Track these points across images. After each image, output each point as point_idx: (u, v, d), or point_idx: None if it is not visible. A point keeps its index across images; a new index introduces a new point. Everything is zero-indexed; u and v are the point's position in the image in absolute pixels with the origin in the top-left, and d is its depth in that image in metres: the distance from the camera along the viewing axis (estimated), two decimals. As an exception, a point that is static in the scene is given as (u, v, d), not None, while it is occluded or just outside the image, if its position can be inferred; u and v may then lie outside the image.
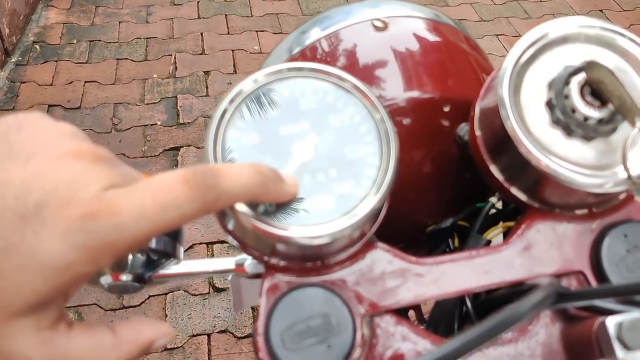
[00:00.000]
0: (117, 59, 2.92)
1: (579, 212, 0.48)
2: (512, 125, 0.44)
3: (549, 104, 0.45)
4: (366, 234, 0.46)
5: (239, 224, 0.41)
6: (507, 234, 0.57)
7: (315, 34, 0.64)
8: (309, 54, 0.62)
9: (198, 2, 3.34)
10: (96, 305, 1.97)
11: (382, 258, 0.46)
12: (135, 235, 0.30)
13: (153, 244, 0.58)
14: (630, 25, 3.34)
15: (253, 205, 0.41)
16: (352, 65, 0.59)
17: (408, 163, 0.61)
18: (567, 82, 0.45)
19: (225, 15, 3.26)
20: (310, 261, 0.45)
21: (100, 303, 1.98)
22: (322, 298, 0.43)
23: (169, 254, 0.59)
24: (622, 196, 0.49)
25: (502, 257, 0.47)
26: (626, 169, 0.43)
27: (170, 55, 2.95)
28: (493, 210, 0.62)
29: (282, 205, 0.41)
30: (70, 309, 1.95)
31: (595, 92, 0.44)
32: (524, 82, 0.46)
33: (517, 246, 0.47)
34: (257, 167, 0.36)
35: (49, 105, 2.62)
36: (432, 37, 0.62)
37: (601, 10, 3.43)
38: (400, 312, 0.79)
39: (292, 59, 0.63)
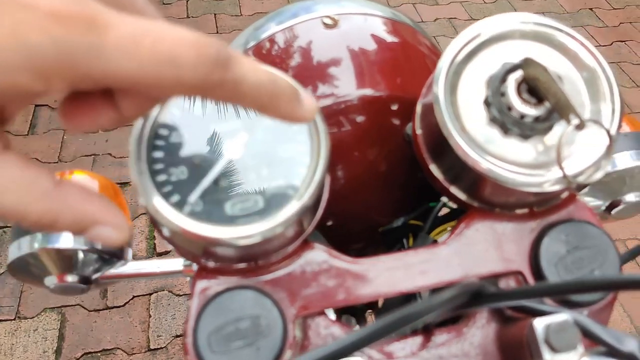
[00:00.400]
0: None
1: (519, 211, 0.47)
2: (447, 124, 0.44)
3: (486, 102, 0.45)
4: (302, 234, 0.45)
5: (168, 226, 0.41)
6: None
7: (268, 30, 0.63)
8: (261, 50, 0.61)
9: (187, 1, 3.33)
10: (80, 306, 1.97)
11: (318, 258, 0.45)
12: (108, 71, 0.25)
13: (99, 244, 0.57)
14: (620, 23, 3.33)
15: (179, 206, 0.40)
16: (300, 63, 0.58)
17: (361, 162, 0.61)
18: (504, 80, 0.44)
19: (215, 14, 3.25)
20: (243, 262, 0.44)
21: (84, 304, 1.97)
22: (253, 300, 0.42)
23: (116, 255, 0.59)
24: (564, 195, 0.48)
25: (440, 257, 0.46)
26: (560, 167, 0.42)
27: (159, 54, 2.94)
28: (447, 210, 0.61)
29: (209, 206, 0.40)
30: (53, 309, 1.95)
31: (532, 89, 0.44)
32: (462, 80, 0.46)
33: (454, 246, 0.46)
34: (274, 76, 0.31)
35: (36, 105, 2.61)
36: (383, 35, 0.61)
37: (591, 9, 3.42)
38: (357, 313, 0.78)
39: (245, 54, 0.62)
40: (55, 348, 1.87)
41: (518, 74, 0.44)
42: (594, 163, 0.43)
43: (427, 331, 0.45)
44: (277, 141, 0.42)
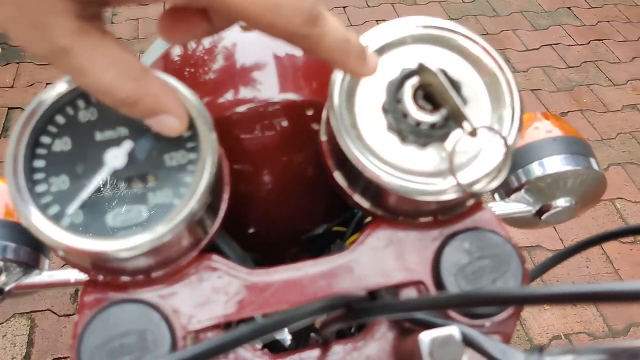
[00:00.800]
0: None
1: (423, 219, 0.46)
2: (341, 132, 0.43)
3: (384, 109, 0.44)
4: (196, 245, 0.44)
5: (44, 240, 0.39)
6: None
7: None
8: (178, 52, 0.60)
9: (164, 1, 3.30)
10: (50, 311, 1.95)
11: (213, 271, 0.44)
12: (230, 8, 0.31)
13: (11, 254, 0.56)
14: (598, 22, 3.34)
15: (57, 218, 0.39)
16: (217, 65, 0.57)
17: (285, 167, 0.60)
18: (401, 86, 0.43)
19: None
20: (133, 275, 0.43)
21: (54, 309, 1.95)
22: (140, 314, 0.41)
23: (29, 265, 0.57)
24: (470, 203, 0.47)
25: (339, 267, 0.45)
26: (454, 175, 0.41)
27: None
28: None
29: (89, 217, 0.39)
30: (23, 315, 1.93)
31: (428, 96, 0.43)
32: (360, 86, 0.45)
33: (355, 255, 0.45)
34: (349, 35, 0.36)
35: (9, 108, 2.58)
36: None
37: (569, 8, 3.42)
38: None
39: (164, 57, 0.61)
40: (24, 354, 1.85)
41: (415, 79, 0.43)
42: (490, 171, 0.42)
43: (325, 344, 0.44)
44: (163, 149, 0.41)
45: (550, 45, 3.17)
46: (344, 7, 3.31)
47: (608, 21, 3.35)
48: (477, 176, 0.42)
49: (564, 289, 0.26)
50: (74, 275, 0.57)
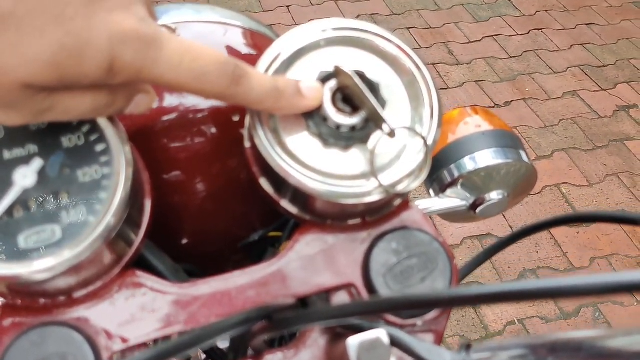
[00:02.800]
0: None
1: (351, 222, 0.46)
2: (262, 138, 0.42)
3: (304, 113, 0.43)
4: (118, 263, 0.43)
5: None
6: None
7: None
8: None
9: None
10: None
11: (138, 287, 0.43)
12: (157, 76, 0.34)
13: None
14: (537, 12, 3.41)
15: None
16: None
17: (217, 175, 0.59)
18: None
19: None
20: (53, 297, 0.41)
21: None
22: (61, 337, 0.39)
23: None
24: (397, 203, 0.47)
25: (270, 276, 0.44)
26: (375, 176, 0.41)
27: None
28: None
29: (1, 240, 0.38)
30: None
31: (347, 98, 0.42)
32: None
33: (284, 262, 0.45)
34: (275, 80, 0.40)
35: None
36: (229, 44, 0.59)
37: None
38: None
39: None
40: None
41: (333, 83, 0.43)
42: (412, 171, 0.42)
43: (258, 354, 0.43)
44: (76, 165, 0.40)
45: (492, 36, 3.23)
46: (288, 7, 3.30)
47: (546, 11, 3.43)
48: (399, 177, 0.42)
49: (484, 289, 0.26)
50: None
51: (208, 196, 0.59)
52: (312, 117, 0.42)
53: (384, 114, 0.40)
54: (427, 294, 0.29)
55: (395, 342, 0.37)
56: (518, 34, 3.25)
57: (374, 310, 0.31)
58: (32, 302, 0.41)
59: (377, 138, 0.41)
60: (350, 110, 0.42)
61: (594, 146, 2.62)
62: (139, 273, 0.44)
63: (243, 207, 0.61)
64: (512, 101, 2.82)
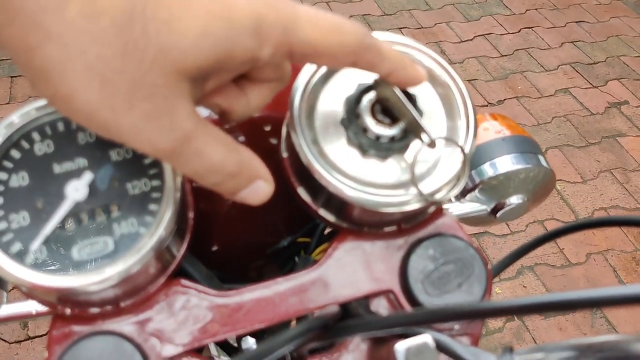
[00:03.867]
0: (11, 77, 2.78)
1: (387, 229, 0.47)
2: (304, 148, 0.43)
3: (343, 124, 0.44)
4: (164, 272, 0.44)
5: (9, 279, 0.38)
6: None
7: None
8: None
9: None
10: (0, 339, 1.89)
11: (183, 296, 0.44)
12: (301, 38, 0.33)
13: None
14: (527, 10, 3.45)
15: (20, 255, 0.38)
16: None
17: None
18: (358, 101, 0.44)
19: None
20: (101, 306, 0.42)
21: (4, 336, 1.89)
22: (112, 345, 0.40)
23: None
24: (431, 210, 0.48)
25: (310, 282, 0.45)
26: (415, 185, 0.42)
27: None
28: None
29: (54, 252, 0.38)
30: (-28, 343, 1.86)
31: (386, 110, 0.44)
32: (320, 101, 0.45)
33: (323, 269, 0.46)
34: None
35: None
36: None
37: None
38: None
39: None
40: (-26, 382, 1.79)
41: (372, 94, 0.44)
42: (450, 179, 0.43)
43: (300, 359, 0.45)
44: (126, 178, 0.41)
45: (483, 35, 3.25)
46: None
47: (536, 9, 3.46)
48: (438, 185, 0.43)
49: (525, 300, 0.27)
50: (35, 307, 0.56)
51: (237, 204, 0.60)
52: (352, 127, 0.44)
53: (424, 123, 0.42)
54: (475, 304, 0.30)
55: (440, 347, 0.39)
56: (509, 33, 3.28)
57: (428, 319, 0.32)
58: (81, 311, 0.42)
59: (417, 148, 0.42)
60: (390, 121, 0.43)
61: (587, 143, 2.65)
62: (183, 281, 0.45)
63: (271, 214, 0.62)
64: (505, 100, 2.85)
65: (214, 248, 0.62)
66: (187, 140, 0.32)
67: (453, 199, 0.67)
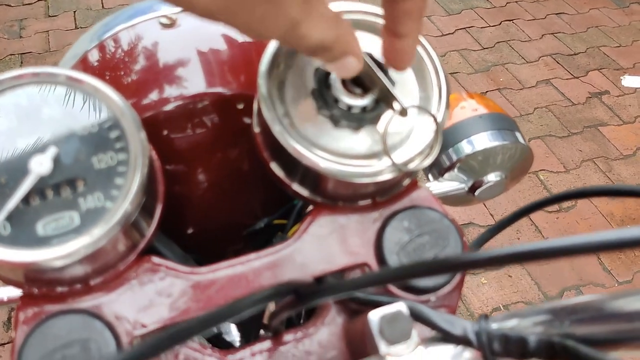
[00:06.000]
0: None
1: (362, 203, 0.47)
2: (274, 121, 0.42)
3: (314, 95, 0.44)
4: (134, 249, 0.43)
5: None
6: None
7: (108, 32, 0.60)
8: (96, 56, 0.58)
9: (74, 12, 3.19)
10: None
11: (155, 273, 0.43)
12: None
13: None
14: (507, 3, 3.46)
15: None
16: (139, 65, 0.55)
17: (220, 164, 0.59)
18: (329, 72, 0.43)
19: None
20: (70, 285, 0.41)
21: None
22: (81, 324, 0.39)
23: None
24: (406, 183, 0.48)
25: (285, 258, 0.45)
26: (388, 155, 0.42)
27: (48, 68, 2.82)
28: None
29: (18, 228, 0.37)
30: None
31: (357, 79, 0.43)
32: (290, 73, 0.44)
33: (298, 244, 0.45)
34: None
35: None
36: (227, 32, 0.59)
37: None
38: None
39: (82, 61, 0.59)
40: (-43, 386, 1.76)
41: (342, 64, 0.43)
42: (423, 149, 0.43)
43: (276, 334, 0.44)
44: (90, 151, 0.40)
45: (464, 28, 3.26)
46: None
47: (516, 1, 3.48)
48: (410, 155, 0.43)
49: (502, 251, 0.27)
50: (6, 293, 0.55)
51: (212, 186, 0.59)
52: (323, 98, 0.43)
53: (396, 92, 0.41)
54: (455, 256, 0.29)
55: (415, 315, 0.38)
56: (490, 26, 3.29)
57: (402, 276, 0.31)
58: (50, 290, 0.41)
59: (388, 117, 0.42)
60: (361, 91, 0.43)
61: (569, 133, 2.66)
62: (155, 259, 0.44)
63: (247, 195, 0.62)
64: (487, 92, 2.86)
65: (190, 231, 0.61)
66: (296, 25, 0.33)
67: (431, 177, 0.67)
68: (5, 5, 3.19)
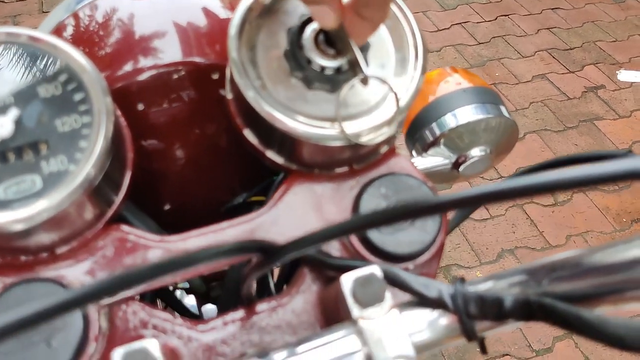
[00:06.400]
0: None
1: (339, 170, 0.46)
2: (245, 85, 0.41)
3: (286, 56, 0.42)
4: (101, 218, 0.42)
5: None
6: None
7: (77, 5, 0.58)
8: (72, 25, 0.57)
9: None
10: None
11: (123, 242, 0.42)
12: None
13: None
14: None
15: None
16: (111, 36, 0.54)
17: (197, 138, 0.57)
18: (301, 32, 0.42)
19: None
20: (36, 254, 0.40)
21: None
22: (45, 293, 0.38)
23: None
24: (383, 150, 0.46)
25: (259, 226, 0.43)
26: (340, 123, 0.40)
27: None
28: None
29: None
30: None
31: (330, 40, 0.42)
32: (262, 34, 0.43)
33: (273, 212, 0.44)
34: None
35: None
36: (202, 2, 0.58)
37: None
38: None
39: (56, 31, 0.57)
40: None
41: (315, 25, 0.42)
42: (379, 124, 0.42)
43: (249, 304, 0.43)
44: (54, 114, 0.38)
45: (460, 23, 3.25)
46: None
47: (512, -3, 3.47)
48: (366, 126, 0.41)
49: (469, 192, 0.25)
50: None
51: (189, 161, 0.58)
52: (296, 60, 0.42)
53: (362, 59, 0.40)
54: (418, 200, 0.28)
55: (389, 278, 0.37)
56: (485, 21, 3.27)
57: (366, 224, 0.30)
58: (14, 259, 0.40)
59: (349, 84, 0.40)
60: (334, 52, 0.42)
61: (564, 127, 2.65)
62: (124, 227, 0.42)
63: (225, 171, 0.60)
64: (482, 86, 2.84)
65: (167, 207, 0.60)
66: None
67: (414, 153, 0.66)
68: (0, 1, 3.18)
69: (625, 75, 2.97)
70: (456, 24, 3.24)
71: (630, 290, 0.30)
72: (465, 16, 3.30)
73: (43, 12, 3.14)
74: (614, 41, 3.20)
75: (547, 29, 3.25)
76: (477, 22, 3.25)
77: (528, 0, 3.44)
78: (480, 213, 2.24)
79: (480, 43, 3.11)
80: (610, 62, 3.06)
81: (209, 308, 0.71)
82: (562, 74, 2.96)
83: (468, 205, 0.25)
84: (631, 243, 0.30)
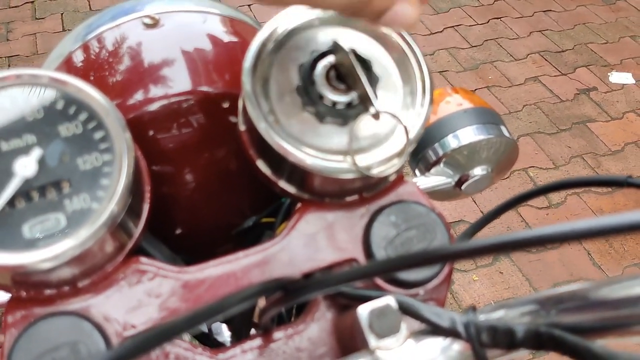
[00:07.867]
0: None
1: (349, 199, 0.47)
2: (259, 118, 0.42)
3: (299, 91, 0.44)
4: (122, 250, 0.43)
5: None
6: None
7: (92, 32, 0.60)
8: (81, 57, 0.58)
9: (62, 14, 3.18)
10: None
11: (143, 274, 0.43)
12: None
13: None
14: (495, 1, 3.47)
15: None
16: (121, 66, 0.55)
17: (207, 164, 0.59)
18: (313, 67, 0.43)
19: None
20: (58, 287, 0.41)
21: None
22: (70, 326, 0.39)
23: None
24: (392, 178, 0.48)
25: (273, 255, 0.45)
26: (352, 156, 0.42)
27: (36, 72, 2.80)
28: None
29: (4, 231, 0.37)
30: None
31: (341, 75, 0.43)
32: (274, 70, 0.44)
33: (286, 242, 0.45)
34: None
35: None
36: (209, 32, 0.59)
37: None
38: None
39: (66, 62, 0.59)
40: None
41: (326, 61, 0.43)
42: (390, 156, 0.43)
43: (266, 332, 0.44)
44: (75, 153, 0.40)
45: (453, 27, 3.27)
46: (249, 5, 3.29)
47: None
48: (377, 160, 0.43)
49: (486, 241, 0.27)
50: (-5, 298, 0.55)
51: (199, 186, 0.59)
52: (308, 95, 0.43)
53: (373, 95, 0.41)
54: (439, 247, 0.30)
55: (403, 308, 0.38)
56: (478, 24, 3.30)
57: (388, 268, 0.32)
58: (37, 293, 0.41)
59: (360, 119, 0.42)
60: (345, 87, 0.43)
61: (557, 129, 2.68)
62: (143, 259, 0.44)
63: (235, 194, 0.61)
64: (476, 89, 2.86)
65: (179, 231, 0.61)
66: None
67: (417, 173, 0.67)
68: (-8, 8, 3.18)
69: (616, 77, 3.00)
70: (449, 27, 3.27)
71: (635, 325, 0.31)
72: (457, 19, 3.32)
73: (36, 18, 3.15)
74: (605, 43, 3.23)
75: (539, 31, 3.27)
76: (469, 25, 3.28)
77: (520, 2, 3.46)
78: (475, 216, 2.26)
79: (473, 46, 3.14)
80: (602, 64, 3.09)
81: (218, 325, 0.72)
82: (555, 76, 2.98)
83: (486, 254, 0.27)
84: (636, 280, 0.31)
